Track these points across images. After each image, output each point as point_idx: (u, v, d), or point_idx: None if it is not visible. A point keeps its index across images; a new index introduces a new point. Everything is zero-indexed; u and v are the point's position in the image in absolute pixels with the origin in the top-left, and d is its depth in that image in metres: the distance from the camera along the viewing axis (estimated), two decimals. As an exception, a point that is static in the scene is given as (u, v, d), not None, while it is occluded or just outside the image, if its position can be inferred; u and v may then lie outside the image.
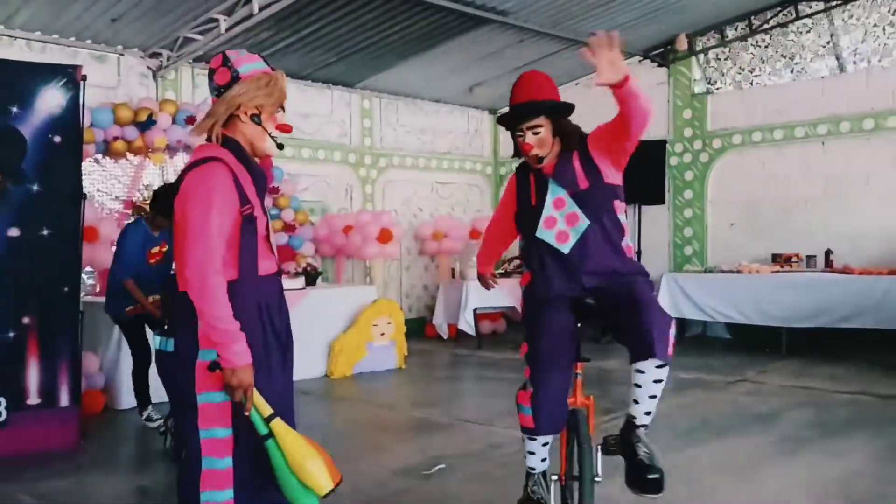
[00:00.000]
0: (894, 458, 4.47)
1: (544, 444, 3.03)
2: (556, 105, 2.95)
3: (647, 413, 2.81)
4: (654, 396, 2.79)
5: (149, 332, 5.23)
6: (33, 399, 4.82)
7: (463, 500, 3.86)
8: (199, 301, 2.21)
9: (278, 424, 2.28)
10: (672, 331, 2.72)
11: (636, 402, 2.80)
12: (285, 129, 2.50)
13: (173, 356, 2.34)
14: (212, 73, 2.45)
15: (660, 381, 2.75)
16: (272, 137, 2.47)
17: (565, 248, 2.95)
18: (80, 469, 4.51)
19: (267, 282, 2.44)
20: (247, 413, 2.23)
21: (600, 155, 2.94)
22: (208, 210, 2.23)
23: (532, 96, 2.91)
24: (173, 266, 2.74)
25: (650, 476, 2.69)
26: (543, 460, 3.06)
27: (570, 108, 2.98)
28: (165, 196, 4.81)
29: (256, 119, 2.41)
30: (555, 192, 2.96)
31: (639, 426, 2.81)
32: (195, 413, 2.30)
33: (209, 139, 2.40)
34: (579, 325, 3.00)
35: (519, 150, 3.01)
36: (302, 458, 2.26)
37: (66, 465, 4.53)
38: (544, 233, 2.97)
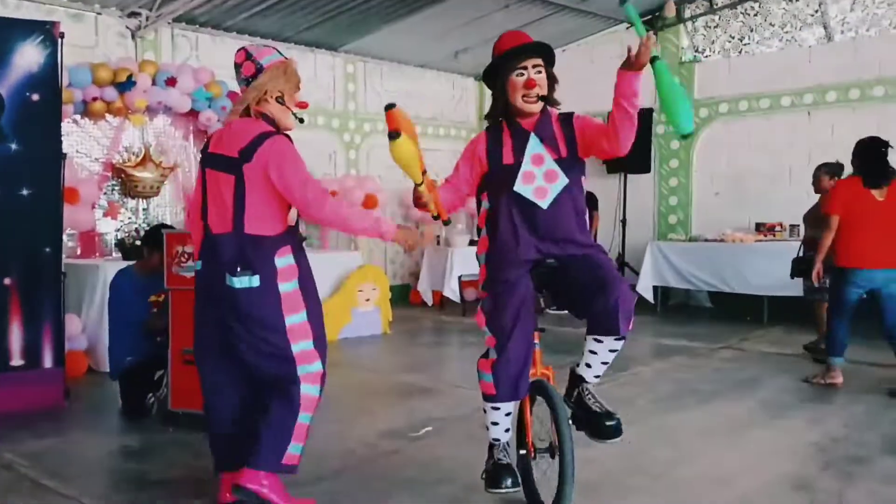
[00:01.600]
0: (870, 423, 4.54)
1: (507, 414, 3.03)
2: (552, 53, 3.02)
3: (597, 376, 3.02)
4: (606, 363, 2.98)
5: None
6: (17, 360, 4.78)
7: (450, 460, 3.88)
8: (344, 219, 3.07)
9: None
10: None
11: (588, 366, 2.98)
12: (303, 105, 3.16)
13: (259, 291, 2.90)
14: (238, 66, 3.07)
15: (615, 350, 2.93)
16: (293, 114, 3.10)
17: (544, 204, 2.92)
18: (65, 429, 4.49)
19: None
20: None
21: (582, 135, 2.99)
22: (304, 163, 2.98)
23: (529, 40, 2.96)
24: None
25: (609, 423, 2.92)
26: (507, 430, 3.06)
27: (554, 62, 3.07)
28: (157, 233, 4.62)
29: (280, 100, 3.05)
30: (534, 148, 2.95)
31: (587, 382, 3.02)
32: (283, 336, 2.93)
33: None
34: (538, 293, 3.08)
35: (503, 102, 2.96)
36: None
37: (51, 426, 4.51)
38: (522, 187, 2.93)
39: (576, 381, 3.05)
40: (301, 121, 3.14)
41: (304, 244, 7.96)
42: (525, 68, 2.91)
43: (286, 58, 3.14)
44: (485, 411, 3.05)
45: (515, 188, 2.93)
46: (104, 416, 4.87)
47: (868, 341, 6.89)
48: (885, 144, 5.38)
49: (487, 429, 3.08)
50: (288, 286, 2.98)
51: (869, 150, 5.40)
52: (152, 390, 4.72)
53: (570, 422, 2.98)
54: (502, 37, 3.04)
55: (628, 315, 2.78)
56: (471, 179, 3.09)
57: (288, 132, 3.08)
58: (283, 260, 3.00)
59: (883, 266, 5.27)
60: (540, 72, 2.94)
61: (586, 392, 3.01)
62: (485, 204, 3.07)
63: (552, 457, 3.03)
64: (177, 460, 3.96)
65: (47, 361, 4.87)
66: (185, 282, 4.34)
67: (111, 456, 4.12)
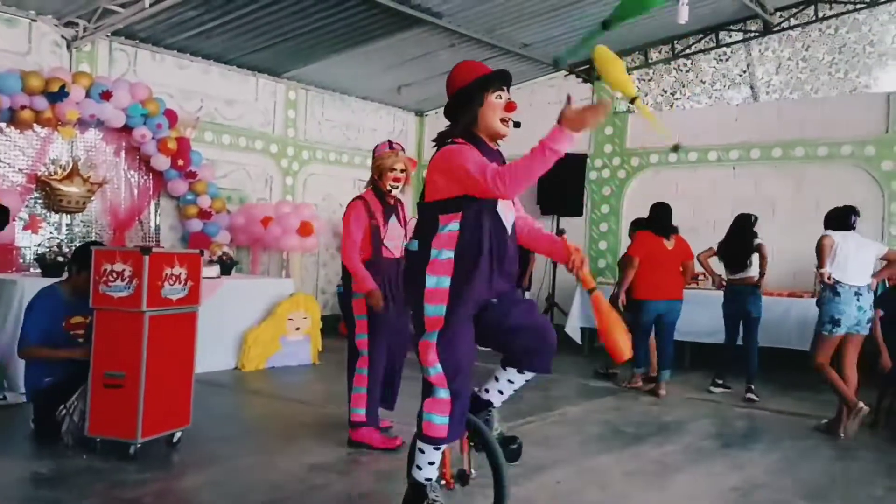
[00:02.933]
0: (788, 469, 4.69)
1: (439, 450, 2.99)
2: None
3: (503, 401, 3.20)
4: (514, 392, 3.18)
5: None
6: (-82, 379, 4.49)
7: (381, 496, 3.81)
8: None
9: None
10: None
11: (501, 392, 3.15)
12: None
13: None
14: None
15: (528, 380, 3.12)
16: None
17: (509, 229, 2.94)
18: (-31, 455, 4.22)
19: None
20: None
21: None
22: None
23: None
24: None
25: (513, 446, 3.08)
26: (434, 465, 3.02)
27: None
28: (87, 250, 4.40)
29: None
30: None
31: (494, 407, 3.17)
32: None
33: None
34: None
35: (469, 122, 2.93)
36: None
37: (-45, 451, 4.24)
38: (501, 208, 2.90)
39: (481, 405, 3.14)
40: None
41: (233, 270, 7.78)
42: (503, 91, 2.94)
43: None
44: (421, 451, 2.95)
45: (498, 207, 2.88)
46: (15, 440, 4.61)
47: (786, 391, 7.17)
48: (670, 208, 7.11)
49: (419, 469, 2.98)
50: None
51: (662, 210, 7.08)
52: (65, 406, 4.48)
53: (472, 443, 3.10)
54: (470, 64, 3.05)
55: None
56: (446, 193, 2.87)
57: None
58: None
59: (666, 297, 6.85)
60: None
61: (491, 416, 3.13)
62: (452, 226, 2.83)
63: (462, 484, 3.18)
64: (91, 488, 3.77)
65: (-45, 380, 4.60)
66: (112, 302, 4.19)
67: (21, 483, 3.89)
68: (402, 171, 4.73)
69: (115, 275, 4.19)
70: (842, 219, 5.82)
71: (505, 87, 2.95)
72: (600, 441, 5.18)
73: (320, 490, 3.92)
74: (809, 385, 7.49)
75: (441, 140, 2.96)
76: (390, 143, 4.85)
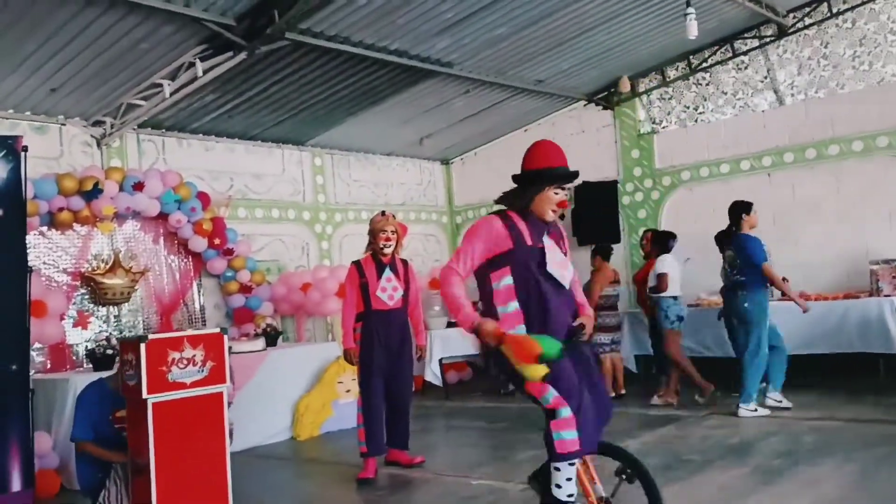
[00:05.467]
0: (864, 482, 4.48)
1: None
2: None
3: None
4: None
5: None
6: (-17, 486, 4.57)
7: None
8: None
9: None
10: None
11: None
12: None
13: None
14: None
15: None
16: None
17: (566, 285, 3.25)
18: (34, 558, 4.26)
19: None
20: None
21: None
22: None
23: (566, 161, 3.31)
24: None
25: None
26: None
27: None
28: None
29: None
30: (548, 239, 3.28)
31: None
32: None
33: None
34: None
35: (527, 201, 3.26)
36: None
37: (19, 555, 4.29)
38: (553, 269, 3.21)
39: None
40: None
41: (279, 340, 7.97)
42: (563, 189, 3.27)
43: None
44: (557, 470, 3.12)
45: (548, 268, 3.19)
46: (77, 537, 4.65)
47: (861, 397, 6.88)
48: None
49: (559, 487, 3.13)
50: None
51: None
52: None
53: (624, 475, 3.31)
54: (547, 148, 3.33)
55: None
56: (480, 260, 3.24)
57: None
58: None
59: None
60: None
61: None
62: (506, 280, 3.19)
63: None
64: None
65: (16, 484, 4.69)
66: (128, 390, 4.23)
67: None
68: (392, 232, 5.72)
69: (127, 364, 4.24)
70: (666, 243, 7.60)
71: (564, 186, 3.27)
72: (664, 471, 4.99)
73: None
74: (881, 389, 7.20)
75: (500, 202, 3.35)
76: (383, 212, 5.88)
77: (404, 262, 5.90)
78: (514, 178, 3.33)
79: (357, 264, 5.76)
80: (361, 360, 5.57)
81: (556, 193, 3.25)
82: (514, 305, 3.17)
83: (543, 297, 3.16)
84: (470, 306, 3.09)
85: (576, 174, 3.32)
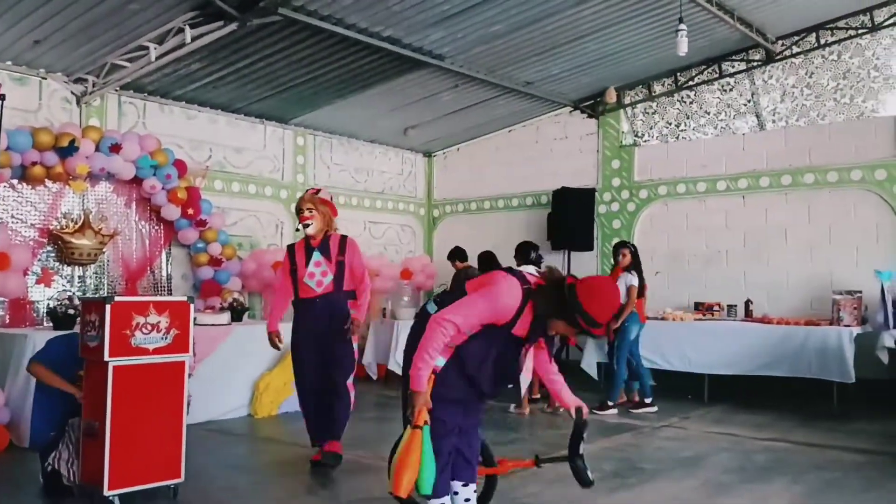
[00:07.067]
0: (812, 503, 4.56)
1: None
2: None
3: None
4: None
5: None
6: (-72, 435, 4.48)
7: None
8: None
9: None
10: None
11: None
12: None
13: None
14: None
15: None
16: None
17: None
18: (-23, 511, 4.20)
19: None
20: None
21: None
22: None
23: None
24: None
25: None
26: None
27: None
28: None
29: None
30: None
31: None
32: None
33: None
34: None
35: (552, 338, 3.46)
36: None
37: (-38, 507, 4.22)
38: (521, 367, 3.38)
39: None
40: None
41: (245, 316, 7.83)
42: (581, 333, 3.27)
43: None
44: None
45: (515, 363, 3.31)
46: (23, 494, 4.57)
47: (809, 422, 7.03)
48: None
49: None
50: None
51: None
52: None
53: None
54: (611, 304, 3.18)
55: None
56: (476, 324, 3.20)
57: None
58: None
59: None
60: None
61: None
62: (475, 336, 3.20)
63: None
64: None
65: (-36, 436, 4.59)
66: (88, 351, 4.19)
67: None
68: (309, 210, 5.23)
69: (89, 325, 4.19)
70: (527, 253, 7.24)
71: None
72: (617, 478, 5.07)
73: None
74: (834, 415, 7.35)
75: (542, 311, 3.21)
76: (307, 191, 5.46)
77: (342, 239, 5.34)
78: (561, 289, 3.16)
79: (290, 249, 5.44)
80: (292, 351, 5.41)
81: (574, 333, 3.28)
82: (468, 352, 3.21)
83: (491, 370, 3.23)
84: (428, 375, 3.14)
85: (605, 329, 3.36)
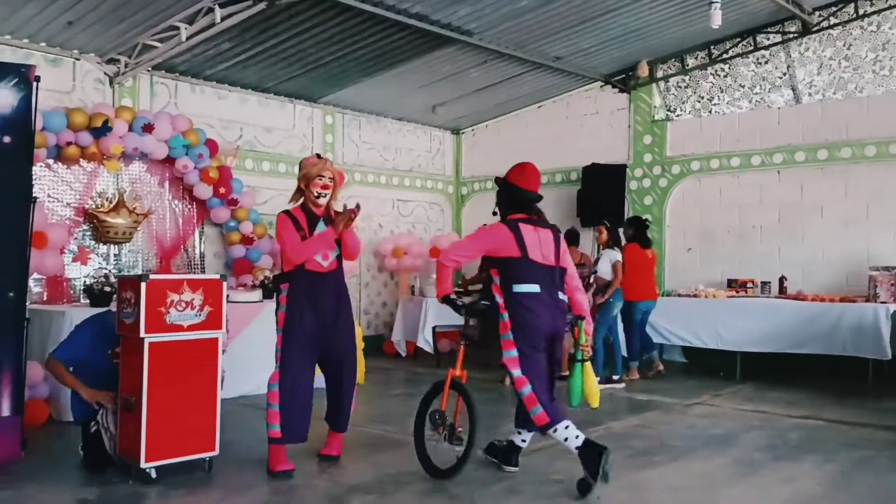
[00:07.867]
0: (843, 482, 4.51)
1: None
2: None
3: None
4: None
5: None
6: (-28, 408, 4.62)
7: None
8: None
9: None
10: None
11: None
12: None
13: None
14: None
15: None
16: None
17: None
18: (20, 481, 4.32)
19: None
20: None
21: None
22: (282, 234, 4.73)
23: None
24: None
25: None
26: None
27: None
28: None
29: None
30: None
31: None
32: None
33: None
34: None
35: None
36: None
37: (6, 477, 4.35)
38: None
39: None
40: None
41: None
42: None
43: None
44: (553, 434, 4.14)
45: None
46: (63, 467, 4.70)
47: (847, 400, 6.93)
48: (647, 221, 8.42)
49: (567, 441, 4.11)
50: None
51: (640, 223, 8.27)
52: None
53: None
54: (530, 171, 4.62)
55: None
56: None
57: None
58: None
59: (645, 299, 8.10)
60: None
61: None
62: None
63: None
64: (135, 514, 3.82)
65: (5, 409, 4.72)
66: (124, 328, 4.29)
67: (67, 509, 3.97)
68: (330, 178, 4.63)
69: (125, 302, 4.28)
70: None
71: None
72: (645, 455, 5.06)
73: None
74: (868, 393, 7.25)
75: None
76: (318, 155, 4.87)
77: (336, 213, 4.76)
78: (502, 184, 4.59)
79: (288, 214, 4.67)
80: (286, 330, 4.58)
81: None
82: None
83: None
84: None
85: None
